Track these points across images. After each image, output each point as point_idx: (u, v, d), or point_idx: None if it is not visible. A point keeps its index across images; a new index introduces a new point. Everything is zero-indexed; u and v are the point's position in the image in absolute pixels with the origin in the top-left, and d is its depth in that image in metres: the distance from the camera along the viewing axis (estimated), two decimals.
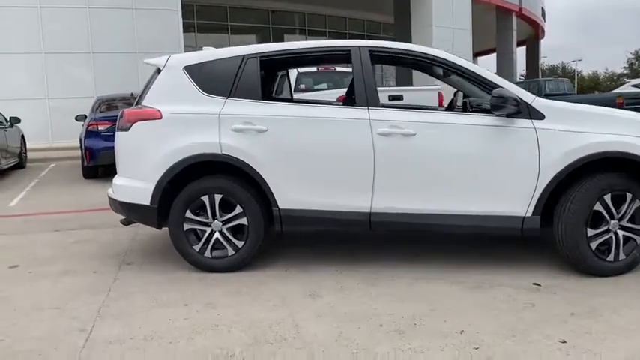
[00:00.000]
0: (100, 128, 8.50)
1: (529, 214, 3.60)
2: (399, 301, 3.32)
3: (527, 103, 3.62)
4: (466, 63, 3.83)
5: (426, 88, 10.51)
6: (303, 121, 3.78)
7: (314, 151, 3.74)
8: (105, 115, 8.83)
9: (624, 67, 55.37)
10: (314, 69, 10.89)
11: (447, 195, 3.67)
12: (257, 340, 2.84)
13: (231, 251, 3.89)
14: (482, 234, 4.13)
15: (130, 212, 4.06)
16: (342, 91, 9.56)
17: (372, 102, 3.76)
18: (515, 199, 3.61)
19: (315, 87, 11.03)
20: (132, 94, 10.04)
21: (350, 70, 4.28)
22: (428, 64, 4.12)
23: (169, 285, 3.70)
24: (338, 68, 11.88)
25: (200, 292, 3.56)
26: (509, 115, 3.58)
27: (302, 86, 10.59)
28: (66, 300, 3.48)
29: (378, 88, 4.01)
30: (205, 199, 3.85)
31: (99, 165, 8.58)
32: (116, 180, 4.13)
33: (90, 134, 8.55)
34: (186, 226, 3.88)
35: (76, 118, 10.12)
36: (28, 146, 11.48)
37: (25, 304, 3.44)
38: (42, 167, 11.06)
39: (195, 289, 3.61)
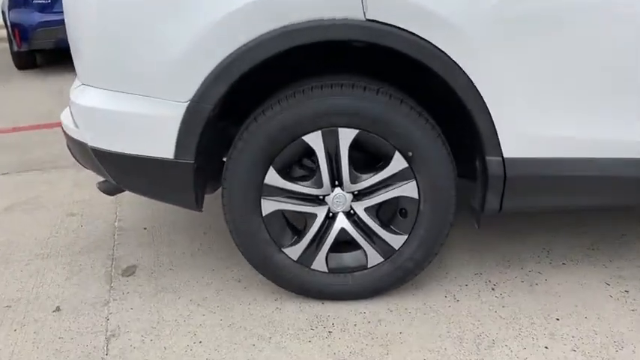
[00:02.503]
0: None
1: None
2: None
3: None
4: None
5: None
6: None
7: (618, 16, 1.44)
8: None
9: None
10: None
11: None
12: None
13: (375, 257, 1.68)
14: None
15: (125, 174, 1.72)
16: None
17: None
18: None
19: None
20: None
21: None
22: None
23: (245, 351, 1.53)
24: None
25: None
26: None
27: None
28: None
29: None
30: (315, 139, 1.56)
31: (35, 50, 5.99)
32: (79, 95, 1.72)
33: (16, 3, 5.96)
34: (267, 207, 1.63)
35: None
36: None
37: None
38: None
39: None
